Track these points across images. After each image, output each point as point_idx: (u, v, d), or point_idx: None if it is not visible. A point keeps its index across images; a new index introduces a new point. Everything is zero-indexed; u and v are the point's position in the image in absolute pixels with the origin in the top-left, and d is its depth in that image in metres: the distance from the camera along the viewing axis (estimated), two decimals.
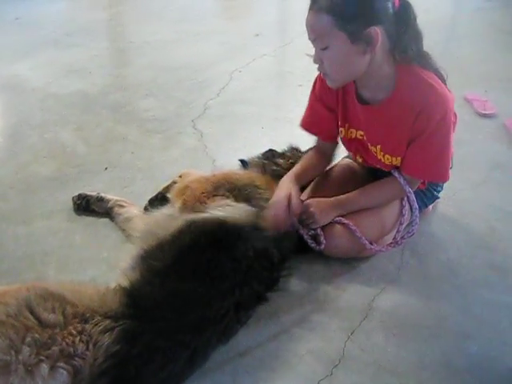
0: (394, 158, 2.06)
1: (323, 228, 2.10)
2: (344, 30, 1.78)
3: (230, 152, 2.89)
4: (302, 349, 1.80)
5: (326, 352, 1.79)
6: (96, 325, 1.46)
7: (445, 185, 2.29)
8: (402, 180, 2.06)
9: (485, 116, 3.21)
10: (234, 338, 1.79)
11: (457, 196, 2.48)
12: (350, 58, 1.85)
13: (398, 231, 2.15)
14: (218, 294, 1.67)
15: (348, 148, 2.27)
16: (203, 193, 2.09)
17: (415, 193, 2.14)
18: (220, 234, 1.83)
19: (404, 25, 1.84)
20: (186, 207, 2.06)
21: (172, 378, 1.53)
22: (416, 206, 2.13)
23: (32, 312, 1.44)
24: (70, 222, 2.39)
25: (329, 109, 2.17)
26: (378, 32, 1.79)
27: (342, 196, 2.13)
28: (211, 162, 2.81)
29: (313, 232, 2.11)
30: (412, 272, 2.12)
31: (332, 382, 1.69)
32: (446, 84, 1.98)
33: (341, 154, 2.47)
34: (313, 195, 2.20)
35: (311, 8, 1.83)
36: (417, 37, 1.90)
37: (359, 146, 2.17)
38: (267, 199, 2.08)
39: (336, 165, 2.40)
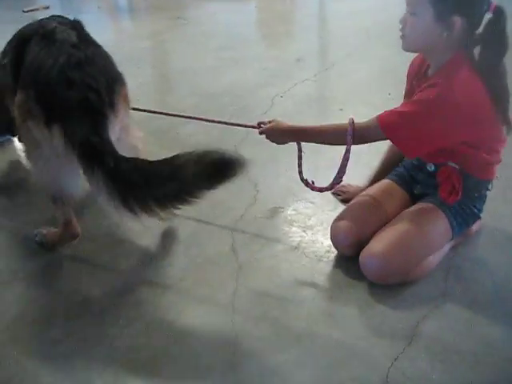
0: None
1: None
2: (433, 7, 1.92)
3: (271, 176, 2.91)
4: (343, 375, 1.78)
5: (369, 379, 1.76)
6: None
7: (489, 208, 2.27)
8: (349, 132, 2.11)
9: None
10: (278, 367, 1.79)
11: (503, 220, 2.43)
12: (428, 33, 1.98)
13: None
14: None
15: None
16: None
17: (454, 208, 2.14)
18: None
19: (490, 31, 1.94)
20: None
21: None
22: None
23: None
24: None
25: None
26: (459, 24, 1.91)
27: (298, 125, 2.35)
28: (253, 186, 2.83)
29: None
30: (457, 298, 2.08)
31: None
32: (499, 107, 1.97)
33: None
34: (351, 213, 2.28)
35: None
36: (498, 48, 1.96)
37: None
38: None
39: (376, 184, 2.42)
